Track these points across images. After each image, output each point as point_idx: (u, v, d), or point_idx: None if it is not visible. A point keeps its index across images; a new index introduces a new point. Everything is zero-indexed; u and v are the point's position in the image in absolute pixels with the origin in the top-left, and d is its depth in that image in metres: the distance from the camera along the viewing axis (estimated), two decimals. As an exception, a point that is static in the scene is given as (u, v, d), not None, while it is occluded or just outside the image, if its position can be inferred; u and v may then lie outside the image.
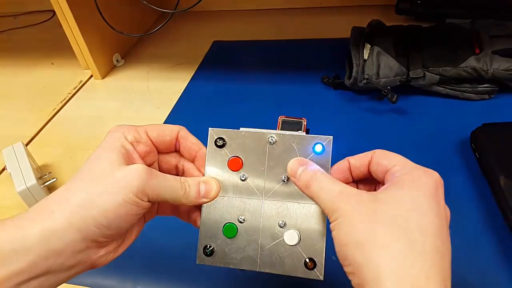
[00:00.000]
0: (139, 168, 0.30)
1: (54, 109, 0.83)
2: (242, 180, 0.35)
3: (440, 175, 0.56)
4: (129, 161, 0.32)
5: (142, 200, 0.30)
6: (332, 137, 0.33)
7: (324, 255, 0.33)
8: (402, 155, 0.62)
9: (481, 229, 0.49)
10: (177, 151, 0.37)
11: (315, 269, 0.33)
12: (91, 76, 0.91)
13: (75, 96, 0.87)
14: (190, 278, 0.49)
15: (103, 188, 0.29)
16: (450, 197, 0.52)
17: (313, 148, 0.33)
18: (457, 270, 0.45)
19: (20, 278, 0.27)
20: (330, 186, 0.30)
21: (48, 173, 0.64)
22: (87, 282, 0.50)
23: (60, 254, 0.28)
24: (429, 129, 0.63)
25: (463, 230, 0.49)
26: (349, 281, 0.29)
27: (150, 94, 0.83)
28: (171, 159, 0.37)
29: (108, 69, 0.92)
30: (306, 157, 0.33)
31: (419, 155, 0.59)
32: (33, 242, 0.27)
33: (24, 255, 0.27)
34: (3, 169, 0.69)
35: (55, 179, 0.63)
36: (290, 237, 0.33)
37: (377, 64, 0.66)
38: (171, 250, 0.52)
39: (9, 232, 0.27)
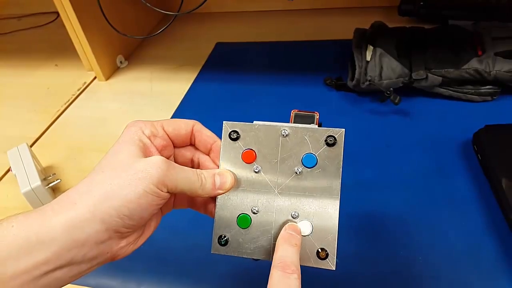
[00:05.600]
0: (158, 159, 0.31)
1: (58, 111, 0.84)
2: (256, 172, 0.35)
3: (442, 176, 0.56)
4: (147, 154, 0.33)
5: (162, 191, 0.31)
6: (344, 130, 0.34)
7: (336, 245, 0.33)
8: (405, 157, 0.63)
9: (483, 230, 0.49)
10: (192, 144, 0.38)
11: (327, 259, 0.33)
12: (95, 77, 0.91)
13: (79, 98, 0.87)
14: (194, 279, 0.50)
15: (125, 180, 0.30)
16: (452, 199, 0.53)
17: (325, 140, 0.34)
18: (459, 271, 0.46)
19: (45, 268, 0.28)
20: None
21: (53, 174, 0.64)
22: (91, 283, 0.50)
23: (83, 245, 0.29)
24: (431, 130, 0.64)
25: (465, 231, 0.49)
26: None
27: (153, 95, 0.83)
28: (187, 153, 0.38)
29: (112, 71, 0.92)
30: (319, 149, 0.34)
31: (422, 157, 0.59)
32: (57, 233, 0.28)
33: (49, 245, 0.27)
34: (8, 170, 0.70)
35: (59, 180, 0.63)
36: (303, 228, 0.34)
37: (380, 65, 0.67)
38: (175, 251, 0.53)
39: (34, 223, 0.28)
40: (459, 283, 0.45)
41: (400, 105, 0.66)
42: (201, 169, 0.36)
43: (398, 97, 0.65)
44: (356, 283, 0.47)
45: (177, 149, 0.38)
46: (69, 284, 0.30)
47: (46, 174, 0.65)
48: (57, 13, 1.06)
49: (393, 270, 0.47)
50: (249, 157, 0.35)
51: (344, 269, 0.48)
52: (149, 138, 0.34)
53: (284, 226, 0.34)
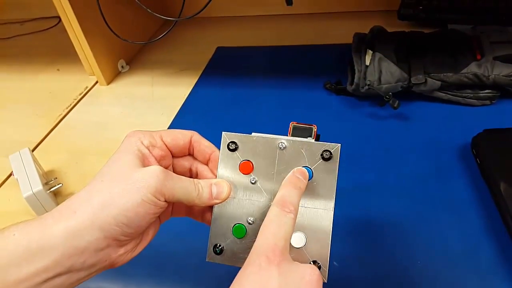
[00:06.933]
0: (156, 169, 0.32)
1: (60, 115, 0.84)
2: (252, 183, 0.36)
3: (441, 180, 0.57)
4: (145, 164, 0.34)
5: (159, 200, 0.31)
6: (340, 145, 0.34)
7: (328, 258, 0.34)
8: (404, 161, 0.63)
9: (481, 234, 0.49)
10: (190, 154, 0.39)
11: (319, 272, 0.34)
12: (97, 82, 0.92)
13: (80, 102, 0.88)
14: (194, 283, 0.50)
15: (123, 189, 0.30)
16: (451, 203, 0.53)
17: (321, 155, 0.34)
18: (457, 275, 0.46)
19: (46, 275, 0.28)
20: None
21: (54, 179, 0.65)
22: (92, 287, 0.50)
23: (83, 252, 0.29)
24: (430, 134, 0.64)
25: (463, 236, 0.50)
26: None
27: (154, 100, 0.84)
28: (185, 163, 0.39)
29: (113, 75, 0.93)
30: (315, 163, 0.35)
31: (420, 161, 0.60)
32: (57, 241, 0.28)
33: (49, 253, 0.28)
34: (10, 175, 0.70)
35: (61, 185, 0.63)
36: (297, 240, 0.34)
37: (379, 70, 0.67)
38: (175, 255, 0.53)
39: (35, 231, 0.29)
40: (458, 286, 0.45)
41: (399, 109, 0.66)
42: (200, 178, 0.37)
43: (397, 102, 0.65)
44: (355, 286, 0.47)
45: (175, 159, 0.38)
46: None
47: (48, 179, 0.65)
48: (59, 18, 1.07)
49: (392, 273, 0.47)
50: (246, 168, 0.36)
51: (342, 273, 0.48)
52: (147, 148, 0.35)
53: (293, 169, 0.35)
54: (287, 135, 0.37)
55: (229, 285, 0.49)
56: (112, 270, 0.33)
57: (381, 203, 0.55)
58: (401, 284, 0.46)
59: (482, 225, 0.50)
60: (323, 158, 0.34)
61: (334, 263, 0.48)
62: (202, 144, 0.38)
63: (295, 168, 0.35)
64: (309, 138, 0.36)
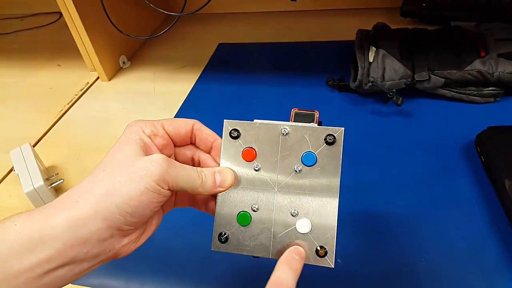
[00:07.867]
0: (159, 157, 0.31)
1: (61, 111, 0.84)
2: (256, 170, 0.35)
3: (445, 178, 0.56)
4: (147, 153, 0.33)
5: (163, 188, 0.31)
6: (343, 128, 0.34)
7: (335, 243, 0.34)
8: (408, 158, 0.63)
9: (486, 232, 0.49)
10: (192, 143, 0.38)
11: (326, 257, 0.34)
12: (98, 78, 0.92)
13: (81, 98, 0.87)
14: (197, 278, 0.50)
15: (126, 177, 0.30)
16: (455, 201, 0.53)
17: (325, 139, 0.34)
18: (462, 274, 0.46)
19: (48, 266, 0.28)
20: None
21: (55, 174, 0.64)
22: (93, 283, 0.50)
23: (86, 242, 0.29)
24: (434, 132, 0.63)
25: (468, 234, 0.49)
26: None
27: (156, 96, 0.84)
28: (187, 152, 0.38)
29: (115, 71, 0.93)
30: (318, 148, 0.34)
31: (424, 158, 0.59)
32: (60, 231, 0.28)
33: (51, 243, 0.28)
34: (11, 170, 0.70)
35: (62, 180, 0.63)
36: (302, 226, 0.34)
37: (382, 67, 0.67)
38: (177, 251, 0.53)
39: (37, 222, 0.28)
40: (462, 284, 0.45)
41: (402, 106, 0.66)
42: (202, 167, 0.36)
43: (401, 98, 0.65)
44: (358, 284, 0.47)
45: (177, 148, 0.38)
46: (71, 285, 0.31)
47: (49, 174, 0.65)
48: (60, 13, 1.06)
49: (396, 271, 0.47)
50: (249, 155, 0.36)
51: (346, 270, 0.48)
52: (149, 137, 0.35)
53: (289, 248, 0.34)
54: (289, 122, 0.36)
55: (231, 280, 0.49)
56: (114, 266, 0.33)
57: (385, 200, 0.55)
58: (405, 282, 0.46)
59: (486, 223, 0.50)
60: (327, 143, 0.34)
61: (338, 260, 0.48)
62: (204, 132, 0.37)
63: (292, 247, 0.34)
64: (311, 123, 0.36)
